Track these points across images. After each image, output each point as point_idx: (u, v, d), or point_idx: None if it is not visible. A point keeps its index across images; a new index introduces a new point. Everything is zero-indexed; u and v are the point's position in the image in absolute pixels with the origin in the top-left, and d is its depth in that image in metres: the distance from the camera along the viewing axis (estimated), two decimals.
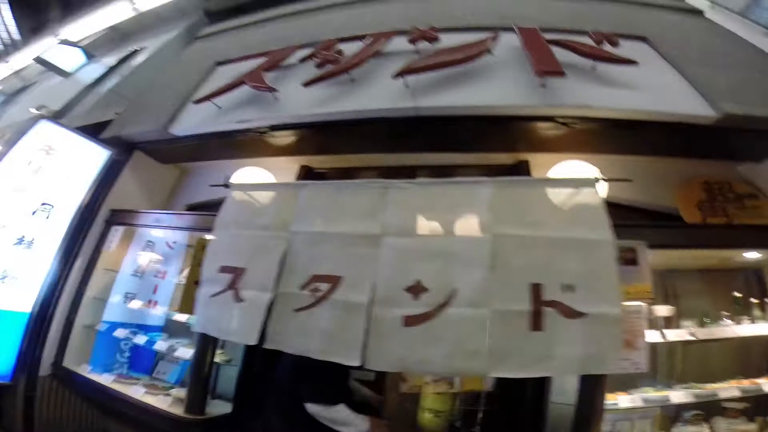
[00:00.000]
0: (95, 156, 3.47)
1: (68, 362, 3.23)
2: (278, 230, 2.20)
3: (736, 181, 2.73)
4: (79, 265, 3.32)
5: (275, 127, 2.94)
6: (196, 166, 3.81)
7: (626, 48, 2.61)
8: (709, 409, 2.46)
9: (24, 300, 3.17)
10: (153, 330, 3.40)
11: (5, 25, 8.91)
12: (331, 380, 2.04)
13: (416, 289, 1.89)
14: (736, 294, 2.61)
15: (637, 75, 2.49)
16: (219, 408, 2.83)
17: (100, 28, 7.34)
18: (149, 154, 3.66)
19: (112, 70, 6.21)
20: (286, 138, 3.04)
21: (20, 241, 3.12)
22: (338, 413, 2.01)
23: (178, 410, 2.69)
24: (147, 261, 3.50)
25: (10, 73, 8.62)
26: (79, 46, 6.96)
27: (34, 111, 4.60)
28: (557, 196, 1.95)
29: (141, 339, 3.15)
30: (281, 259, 2.11)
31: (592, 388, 2.14)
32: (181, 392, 2.87)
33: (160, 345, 3.07)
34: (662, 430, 2.46)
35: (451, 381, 2.59)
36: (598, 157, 2.59)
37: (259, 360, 2.89)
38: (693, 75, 2.51)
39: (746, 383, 2.42)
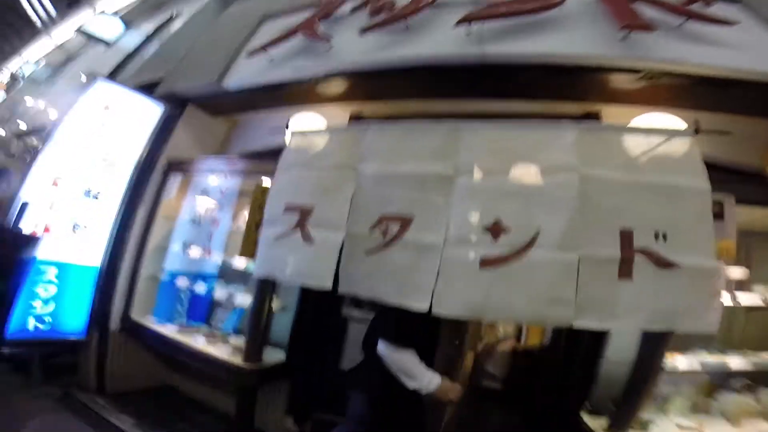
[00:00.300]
0: (150, 112, 3.54)
1: (135, 314, 3.34)
2: (345, 169, 2.12)
3: None
4: (141, 214, 3.41)
5: (329, 75, 2.87)
6: (246, 118, 3.82)
7: (716, 10, 2.39)
8: (756, 379, 2.36)
9: (94, 253, 3.31)
10: (209, 278, 3.47)
11: (41, 1, 9.09)
12: (412, 324, 1.87)
13: (496, 229, 1.77)
14: None
15: (726, 35, 2.30)
16: (273, 355, 2.89)
17: None
18: (201, 108, 3.68)
19: (151, 36, 6.28)
20: (338, 86, 2.97)
21: (87, 193, 3.25)
22: (406, 360, 1.84)
23: (237, 359, 2.75)
24: (203, 208, 3.56)
25: (54, 47, 8.87)
26: (116, 16, 7.09)
27: (86, 76, 4.73)
28: (648, 142, 1.79)
29: (200, 287, 3.22)
30: (351, 197, 2.05)
31: (655, 346, 2.05)
32: (239, 340, 2.95)
33: (220, 293, 3.12)
34: (706, 396, 2.40)
35: (519, 337, 2.51)
36: (678, 112, 2.44)
37: (314, 307, 2.92)
38: None
39: None
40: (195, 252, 3.31)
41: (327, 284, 1.98)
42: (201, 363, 2.93)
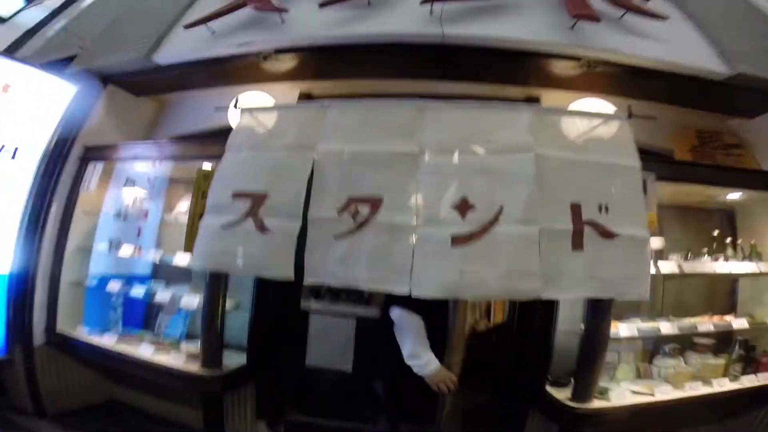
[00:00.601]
0: (60, 93, 3.01)
1: (62, 326, 2.94)
2: (302, 150, 1.96)
3: (725, 133, 2.93)
4: (55, 210, 2.95)
5: (280, 51, 2.64)
6: (177, 97, 3.44)
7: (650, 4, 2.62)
8: (681, 343, 2.60)
9: (0, 259, 2.80)
10: (145, 279, 3.11)
11: None
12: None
13: (463, 207, 1.78)
14: (715, 233, 2.78)
15: (657, 28, 2.53)
16: (233, 358, 2.64)
17: None
18: (124, 87, 3.25)
19: (57, 11, 5.49)
20: (287, 63, 2.75)
21: None
22: (414, 327, 1.83)
23: (195, 366, 2.51)
24: (130, 200, 3.17)
25: None
26: None
27: None
28: (591, 125, 1.97)
29: (138, 291, 2.85)
30: (308, 180, 1.91)
31: (601, 315, 2.18)
32: (191, 346, 2.68)
33: (160, 295, 2.80)
34: (644, 362, 2.60)
35: (489, 314, 2.56)
36: (608, 99, 2.64)
37: (272, 302, 2.71)
38: (713, 35, 2.60)
39: (716, 319, 2.58)
40: (125, 251, 2.93)
41: (288, 274, 1.84)
42: (152, 374, 2.64)
